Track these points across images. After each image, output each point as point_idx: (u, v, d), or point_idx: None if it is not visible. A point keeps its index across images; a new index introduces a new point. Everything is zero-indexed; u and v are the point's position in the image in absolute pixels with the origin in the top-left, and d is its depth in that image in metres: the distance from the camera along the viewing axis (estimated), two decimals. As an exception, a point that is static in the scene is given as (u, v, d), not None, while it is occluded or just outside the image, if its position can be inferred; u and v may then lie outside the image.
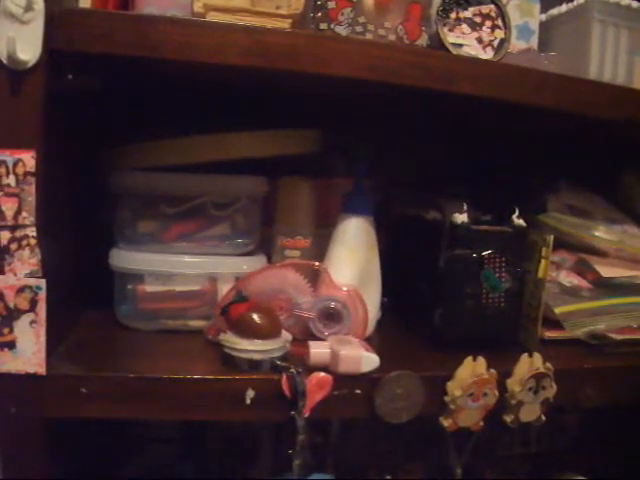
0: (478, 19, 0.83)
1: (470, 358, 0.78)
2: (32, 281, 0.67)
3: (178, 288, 0.87)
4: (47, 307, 0.68)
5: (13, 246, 0.67)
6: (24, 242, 0.67)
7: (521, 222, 0.87)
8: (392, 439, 1.12)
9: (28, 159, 0.66)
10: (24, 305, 0.68)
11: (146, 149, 0.86)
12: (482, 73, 0.79)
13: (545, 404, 0.82)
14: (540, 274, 0.87)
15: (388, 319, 0.95)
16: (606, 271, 0.97)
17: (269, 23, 0.75)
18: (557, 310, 0.92)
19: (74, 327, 0.86)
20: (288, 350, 0.77)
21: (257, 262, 0.90)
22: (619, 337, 0.92)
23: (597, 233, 0.98)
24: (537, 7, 0.99)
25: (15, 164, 0.66)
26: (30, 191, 0.66)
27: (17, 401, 0.69)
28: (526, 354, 0.81)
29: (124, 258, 0.87)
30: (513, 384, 0.80)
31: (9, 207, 0.66)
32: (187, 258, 0.87)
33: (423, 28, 0.82)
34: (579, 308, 0.94)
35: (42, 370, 0.69)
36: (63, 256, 0.79)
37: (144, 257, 0.87)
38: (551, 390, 0.81)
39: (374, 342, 0.85)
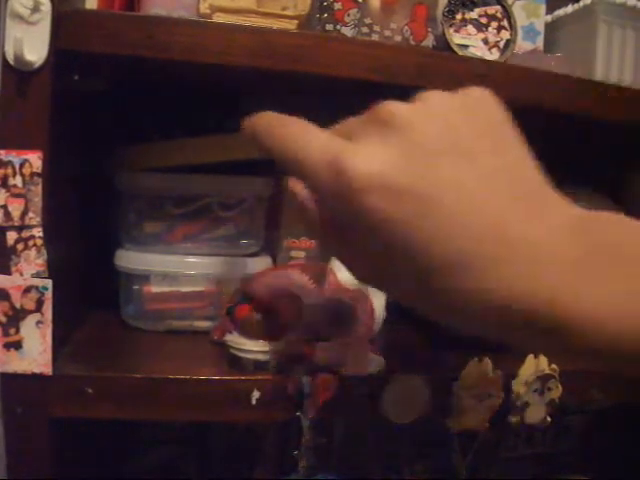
0: (484, 20, 0.83)
1: (476, 359, 0.78)
2: (38, 281, 0.68)
3: (184, 289, 0.88)
4: (53, 307, 0.68)
5: (19, 246, 0.67)
6: (30, 242, 0.67)
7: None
8: (397, 440, 1.12)
9: (35, 160, 0.66)
10: (30, 305, 0.68)
11: (152, 150, 0.86)
12: (488, 74, 0.79)
13: (551, 405, 0.82)
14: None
15: (394, 320, 0.95)
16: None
17: (275, 24, 0.75)
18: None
19: (80, 327, 0.86)
20: (294, 351, 0.77)
21: (262, 263, 0.90)
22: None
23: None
24: (543, 8, 0.99)
25: (22, 165, 0.66)
26: (37, 192, 0.66)
27: (23, 401, 0.69)
28: (532, 355, 0.80)
29: (130, 258, 0.87)
30: (518, 385, 0.80)
31: (16, 207, 0.66)
32: (193, 259, 0.87)
33: (429, 29, 0.81)
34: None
35: (48, 370, 0.69)
36: (69, 256, 0.79)
37: (150, 257, 0.87)
38: (557, 391, 0.81)
39: (380, 343, 0.85)
